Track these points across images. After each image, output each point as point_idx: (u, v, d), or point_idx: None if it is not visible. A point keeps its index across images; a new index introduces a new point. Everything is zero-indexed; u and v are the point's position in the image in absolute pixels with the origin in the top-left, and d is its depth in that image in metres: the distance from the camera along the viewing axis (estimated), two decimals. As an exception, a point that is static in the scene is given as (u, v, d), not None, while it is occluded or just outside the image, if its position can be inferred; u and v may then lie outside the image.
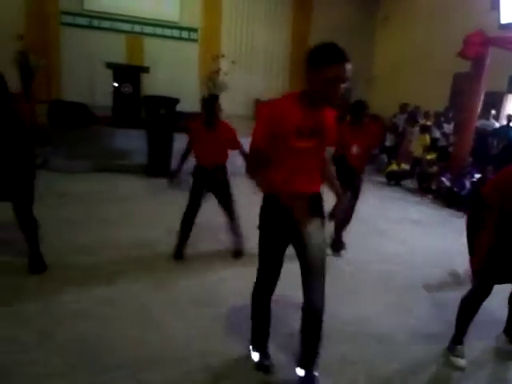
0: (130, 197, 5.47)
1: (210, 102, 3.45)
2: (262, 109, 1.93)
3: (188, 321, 2.70)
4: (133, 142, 7.07)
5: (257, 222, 2.05)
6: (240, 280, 3.08)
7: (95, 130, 7.24)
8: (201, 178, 3.59)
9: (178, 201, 3.75)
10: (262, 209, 2.02)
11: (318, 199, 2.00)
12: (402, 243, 4.66)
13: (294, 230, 1.89)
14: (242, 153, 3.50)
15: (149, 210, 4.94)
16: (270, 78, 11.15)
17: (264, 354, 2.29)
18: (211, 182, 3.59)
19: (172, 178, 3.72)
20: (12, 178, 2.94)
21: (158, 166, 6.66)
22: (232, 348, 2.44)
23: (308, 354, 2.08)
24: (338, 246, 4.11)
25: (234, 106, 9.73)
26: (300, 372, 2.11)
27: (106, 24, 9.55)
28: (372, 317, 2.96)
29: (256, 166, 1.91)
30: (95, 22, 9.46)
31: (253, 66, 10.93)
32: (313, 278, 1.99)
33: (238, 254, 3.79)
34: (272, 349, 2.34)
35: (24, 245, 3.13)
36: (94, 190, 5.57)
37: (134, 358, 2.27)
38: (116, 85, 7.27)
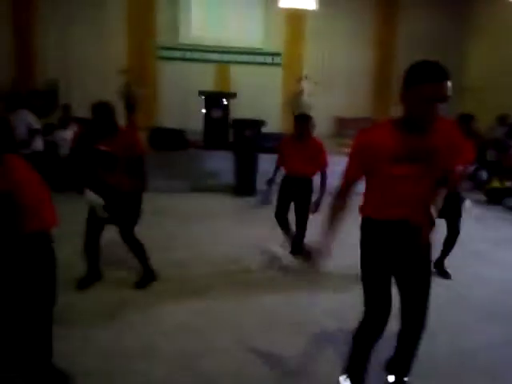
0: (221, 215, 5.75)
1: (304, 119, 3.84)
2: (356, 137, 1.90)
3: (280, 338, 2.73)
4: (222, 163, 7.48)
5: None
6: (332, 301, 3.11)
7: (188, 153, 7.81)
8: (287, 186, 3.95)
9: (267, 221, 3.89)
10: (366, 237, 1.95)
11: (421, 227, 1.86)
12: (502, 266, 4.25)
13: (402, 257, 1.86)
14: (323, 174, 3.84)
15: (239, 228, 5.13)
16: (352, 96, 11.05)
17: None
18: (295, 191, 3.89)
19: (269, 184, 4.16)
20: (122, 203, 3.19)
21: (245, 186, 6.95)
22: (323, 371, 2.41)
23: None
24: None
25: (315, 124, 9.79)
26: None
27: (198, 55, 10.34)
28: (478, 350, 2.73)
29: (344, 196, 1.91)
30: (188, 54, 10.29)
31: (334, 84, 10.92)
32: (415, 309, 1.92)
33: (296, 249, 3.96)
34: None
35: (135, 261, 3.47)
36: (188, 209, 5.96)
37: (232, 374, 2.34)
38: (204, 111, 7.90)
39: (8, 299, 1.51)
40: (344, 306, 3.08)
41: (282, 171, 4.08)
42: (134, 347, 2.56)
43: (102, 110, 3.08)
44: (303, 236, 3.95)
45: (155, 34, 10.10)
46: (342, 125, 10.77)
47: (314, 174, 3.91)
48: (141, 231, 3.48)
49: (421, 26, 10.81)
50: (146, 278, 3.46)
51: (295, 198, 3.95)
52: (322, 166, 3.84)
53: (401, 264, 1.88)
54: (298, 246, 3.95)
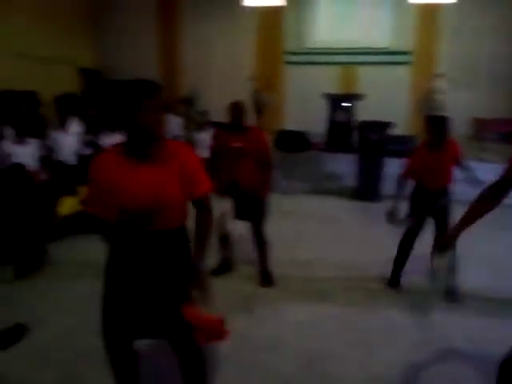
0: (342, 219, 5.74)
1: (441, 121, 3.29)
2: None
3: (408, 355, 2.62)
4: (343, 166, 7.44)
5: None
6: (470, 323, 2.91)
7: (311, 155, 7.96)
8: (423, 200, 3.42)
9: (390, 227, 3.73)
10: None
11: None
12: None
13: None
14: (467, 168, 3.37)
15: (360, 233, 5.08)
16: (495, 95, 9.87)
17: None
18: (433, 206, 3.40)
19: (392, 217, 3.45)
20: (255, 202, 3.47)
21: (367, 190, 6.81)
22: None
23: None
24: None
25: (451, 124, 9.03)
26: None
27: (323, 58, 10.41)
28: None
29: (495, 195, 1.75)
30: (314, 58, 10.44)
31: (473, 83, 9.92)
32: None
33: (451, 294, 3.38)
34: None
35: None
36: (310, 210, 6.10)
37: (358, 381, 2.36)
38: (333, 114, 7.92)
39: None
40: (484, 329, 2.86)
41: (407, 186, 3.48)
42: (262, 340, 2.73)
43: (237, 107, 3.38)
44: (454, 259, 3.30)
45: (282, 41, 10.48)
46: (481, 126, 9.72)
47: (451, 181, 3.43)
48: (268, 230, 3.68)
49: None
50: (267, 275, 3.64)
51: (434, 213, 3.42)
52: (461, 164, 3.37)
53: None
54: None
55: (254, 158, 3.38)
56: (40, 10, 8.34)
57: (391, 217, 3.45)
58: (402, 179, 3.49)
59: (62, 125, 5.15)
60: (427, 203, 3.41)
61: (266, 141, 3.53)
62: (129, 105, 1.55)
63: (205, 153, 6.83)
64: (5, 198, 3.94)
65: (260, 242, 3.60)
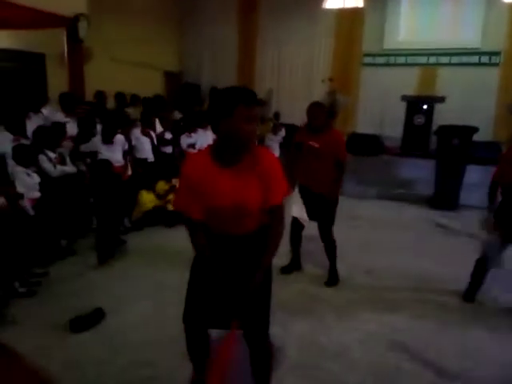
0: (416, 227, 5.48)
1: None
2: None
3: (484, 380, 2.44)
4: (419, 172, 7.09)
5: None
6: None
7: (383, 159, 7.69)
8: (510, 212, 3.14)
9: (467, 236, 3.48)
10: None
11: None
12: None
13: None
14: None
15: (433, 243, 4.81)
16: None
17: None
18: None
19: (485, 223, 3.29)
20: (326, 203, 3.46)
21: (444, 199, 6.42)
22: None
23: None
24: None
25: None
26: None
27: (402, 60, 9.96)
28: None
29: None
30: (392, 60, 10.03)
31: None
32: None
33: None
34: None
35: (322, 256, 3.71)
36: (380, 217, 5.90)
37: None
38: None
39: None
40: None
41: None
42: (327, 346, 2.69)
43: (316, 108, 3.39)
44: None
45: (361, 43, 10.22)
46: None
47: None
48: (336, 234, 3.66)
49: None
50: (333, 277, 3.65)
51: None
52: None
53: None
54: None
55: (329, 159, 3.37)
56: (133, 19, 9.05)
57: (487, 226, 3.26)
58: (493, 186, 3.31)
59: (146, 124, 5.53)
60: None
61: (343, 143, 3.52)
62: (226, 112, 1.56)
63: (276, 152, 7.01)
64: (93, 191, 4.33)
65: (328, 242, 3.60)
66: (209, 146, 1.74)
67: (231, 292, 1.74)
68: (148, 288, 3.43)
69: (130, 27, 8.91)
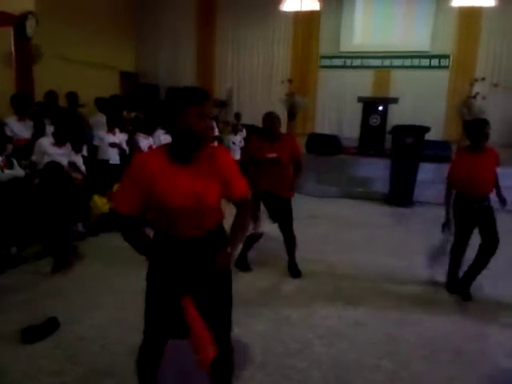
0: (372, 223, 5.65)
1: (480, 124, 3.22)
2: None
3: (441, 369, 2.51)
4: (375, 170, 7.31)
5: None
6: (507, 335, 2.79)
7: (342, 159, 7.87)
8: (466, 209, 3.33)
9: (422, 231, 3.65)
10: None
11: None
12: None
13: None
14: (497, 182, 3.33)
15: (392, 239, 4.98)
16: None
17: None
18: (477, 214, 3.29)
19: (447, 228, 3.41)
20: (285, 204, 3.64)
21: (399, 195, 6.67)
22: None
23: None
24: None
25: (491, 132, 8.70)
26: None
27: (358, 62, 10.30)
28: None
29: None
30: (348, 62, 10.35)
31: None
32: None
33: (467, 297, 3.39)
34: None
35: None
36: (339, 214, 6.03)
37: None
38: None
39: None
40: None
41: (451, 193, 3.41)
42: (290, 343, 2.70)
43: (271, 117, 3.51)
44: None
45: (318, 45, 10.45)
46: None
47: (492, 188, 3.36)
48: (296, 231, 3.76)
49: None
50: (295, 269, 3.78)
51: (478, 221, 3.32)
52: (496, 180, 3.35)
53: None
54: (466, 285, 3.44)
55: (288, 163, 3.56)
56: (85, 18, 8.76)
57: (446, 228, 3.42)
58: (447, 191, 3.43)
59: (109, 126, 5.35)
60: (470, 211, 3.32)
61: (296, 143, 3.70)
62: (179, 110, 1.57)
63: (236, 155, 7.00)
64: (43, 194, 4.11)
65: (290, 238, 3.74)
66: (163, 145, 1.71)
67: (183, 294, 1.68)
68: (105, 295, 3.30)
69: (82, 26, 8.62)
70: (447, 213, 3.40)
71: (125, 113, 6.71)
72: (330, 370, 2.46)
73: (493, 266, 3.38)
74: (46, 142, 4.27)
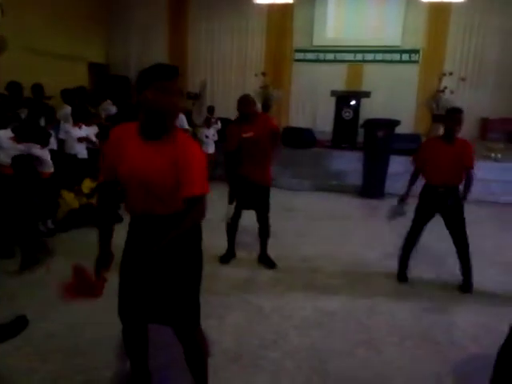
0: (347, 216, 5.74)
1: (454, 111, 3.25)
2: None
3: (411, 354, 2.60)
4: (349, 163, 7.43)
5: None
6: (479, 325, 2.89)
7: (316, 152, 7.94)
8: (430, 199, 3.41)
9: (394, 223, 3.74)
10: None
11: None
12: None
13: None
14: (470, 177, 3.31)
15: (365, 230, 5.08)
16: (501, 95, 9.77)
17: None
18: (441, 205, 3.37)
19: (402, 202, 3.54)
20: (262, 192, 3.66)
21: (372, 188, 6.79)
22: None
23: None
24: None
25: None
26: None
27: (331, 56, 10.38)
28: None
29: None
30: (321, 56, 10.41)
31: (480, 83, 9.84)
32: None
33: (465, 288, 3.45)
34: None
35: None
36: (314, 207, 6.10)
37: (360, 380, 2.33)
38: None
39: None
40: (487, 329, 2.84)
41: (421, 181, 3.53)
42: (265, 335, 2.72)
43: (246, 99, 3.51)
44: (468, 255, 3.44)
45: (291, 39, 10.46)
46: (487, 126, 9.64)
47: (461, 180, 3.38)
48: (271, 224, 3.79)
49: None
50: (269, 260, 3.84)
51: (443, 212, 3.40)
52: (470, 168, 3.32)
53: None
54: None
55: (266, 142, 3.50)
56: (52, 8, 8.44)
57: (395, 211, 3.55)
58: (412, 178, 3.57)
59: (78, 118, 5.18)
60: (434, 202, 3.40)
61: (271, 120, 3.69)
62: (145, 86, 1.57)
63: (210, 149, 6.94)
64: (11, 190, 3.95)
65: (265, 227, 3.77)
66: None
67: (153, 279, 1.70)
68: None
69: (49, 16, 8.33)
70: (408, 187, 3.52)
71: (93, 110, 6.51)
72: (304, 360, 2.50)
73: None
74: (2, 134, 4.05)
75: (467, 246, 3.41)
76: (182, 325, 1.83)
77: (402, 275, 3.65)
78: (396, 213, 3.56)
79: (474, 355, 2.57)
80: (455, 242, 3.44)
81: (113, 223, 1.87)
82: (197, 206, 1.64)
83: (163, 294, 1.74)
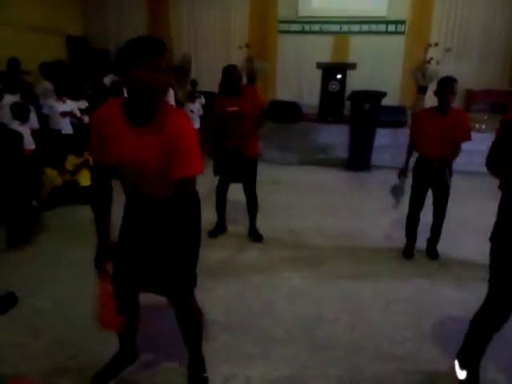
0: (333, 189, 5.78)
1: (448, 80, 3.10)
2: None
3: (396, 318, 2.69)
4: (335, 136, 7.42)
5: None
6: (462, 290, 3.01)
7: (302, 126, 7.90)
8: (423, 173, 3.34)
9: (380, 195, 3.79)
10: None
11: None
12: None
13: None
14: (458, 148, 3.25)
15: (351, 203, 5.13)
16: (485, 66, 9.81)
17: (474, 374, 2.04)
18: (434, 177, 3.30)
19: (402, 176, 3.52)
20: (249, 164, 3.64)
21: (359, 161, 6.83)
22: (432, 357, 2.38)
23: None
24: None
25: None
26: None
27: (317, 28, 10.18)
28: None
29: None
30: (307, 27, 10.20)
31: (465, 54, 9.83)
32: None
33: (435, 255, 3.59)
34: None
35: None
36: (301, 181, 6.11)
37: (345, 343, 2.41)
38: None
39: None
40: (470, 297, 2.88)
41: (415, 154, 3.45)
42: (254, 305, 2.78)
43: (230, 70, 3.42)
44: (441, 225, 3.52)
45: (276, 10, 10.20)
46: (471, 97, 9.70)
47: (454, 153, 3.24)
48: (258, 198, 3.81)
49: None
50: (257, 233, 3.87)
51: (434, 184, 3.36)
52: (462, 140, 3.20)
53: None
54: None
55: (251, 115, 3.46)
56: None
57: (398, 187, 3.56)
58: (408, 150, 3.51)
59: (61, 92, 5.04)
60: (427, 174, 3.33)
61: (257, 94, 3.60)
62: (129, 63, 1.43)
63: (195, 124, 6.83)
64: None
65: (253, 199, 3.77)
66: (122, 98, 1.61)
67: (148, 253, 1.70)
68: (64, 267, 3.23)
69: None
70: (406, 162, 3.50)
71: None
72: (292, 326, 2.57)
73: (445, 228, 3.56)
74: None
75: (444, 217, 3.46)
76: (177, 293, 1.85)
77: (407, 252, 3.63)
78: (399, 189, 3.56)
79: (457, 318, 2.65)
80: (435, 214, 3.47)
81: (109, 209, 1.80)
82: (185, 188, 1.61)
83: (160, 261, 1.74)
